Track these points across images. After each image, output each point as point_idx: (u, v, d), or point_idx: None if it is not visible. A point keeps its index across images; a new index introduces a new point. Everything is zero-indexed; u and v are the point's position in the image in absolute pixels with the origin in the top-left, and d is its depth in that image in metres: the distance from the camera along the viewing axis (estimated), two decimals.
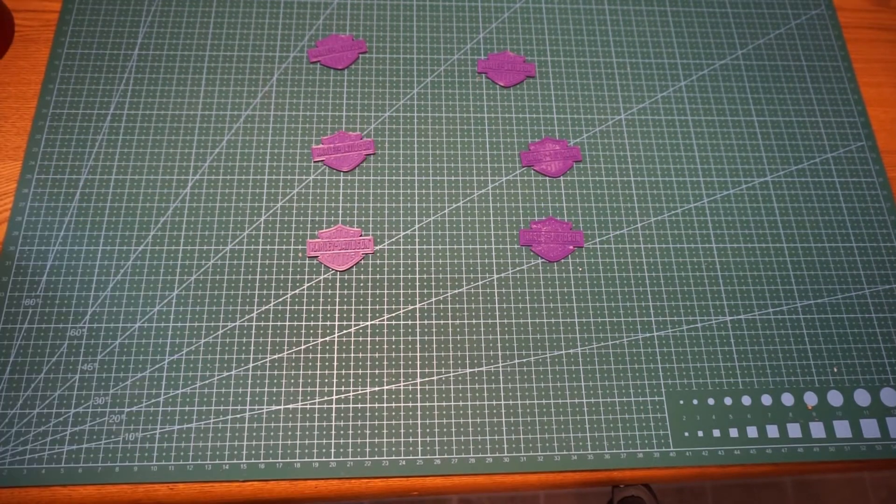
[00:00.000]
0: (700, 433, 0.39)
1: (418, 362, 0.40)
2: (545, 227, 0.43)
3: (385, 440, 0.38)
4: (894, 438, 0.40)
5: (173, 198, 0.42)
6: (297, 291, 0.41)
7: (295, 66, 0.47)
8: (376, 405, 0.38)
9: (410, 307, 0.41)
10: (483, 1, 0.50)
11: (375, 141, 0.45)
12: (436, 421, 0.38)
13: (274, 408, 0.38)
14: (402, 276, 0.41)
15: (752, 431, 0.39)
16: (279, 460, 0.37)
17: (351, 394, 0.39)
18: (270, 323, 0.40)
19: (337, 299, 0.41)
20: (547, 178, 0.45)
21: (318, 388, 0.39)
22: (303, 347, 0.40)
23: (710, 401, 0.40)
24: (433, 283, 0.41)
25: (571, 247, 0.43)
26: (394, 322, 0.40)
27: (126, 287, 0.40)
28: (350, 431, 0.38)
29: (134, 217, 0.42)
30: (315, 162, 0.44)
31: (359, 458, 0.37)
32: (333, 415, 0.38)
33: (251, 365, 0.39)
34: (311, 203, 0.43)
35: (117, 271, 0.40)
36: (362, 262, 0.42)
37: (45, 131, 0.43)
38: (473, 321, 0.41)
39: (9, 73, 0.45)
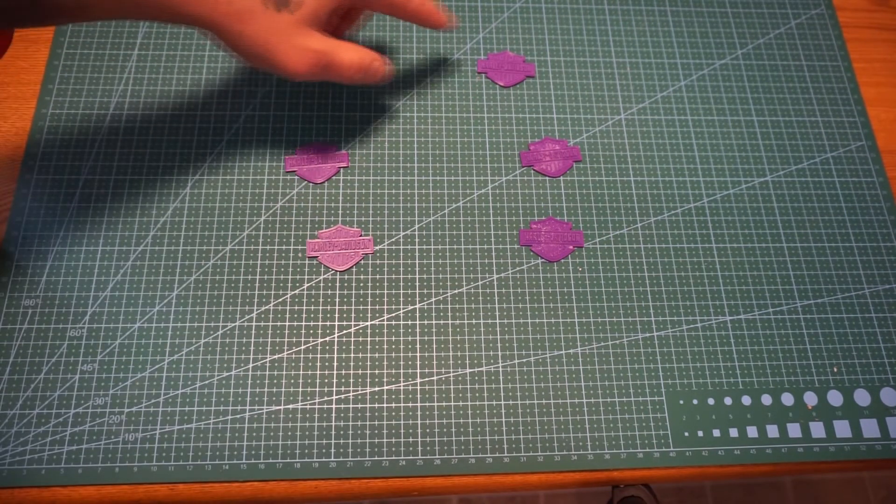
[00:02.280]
0: (700, 433, 0.39)
1: (418, 362, 0.40)
2: (545, 227, 0.43)
3: (385, 440, 0.38)
4: (894, 438, 0.40)
5: (173, 198, 0.42)
6: (297, 291, 0.41)
7: None
8: (376, 405, 0.38)
9: (410, 307, 0.41)
10: (483, 1, 0.50)
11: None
12: (436, 421, 0.38)
13: (274, 408, 0.38)
14: (402, 276, 0.41)
15: (752, 431, 0.39)
16: (279, 460, 0.37)
17: (351, 394, 0.39)
18: (270, 323, 0.40)
19: (337, 299, 0.41)
20: (547, 178, 0.45)
21: (318, 389, 0.39)
22: (303, 347, 0.40)
23: (710, 401, 0.40)
24: (433, 283, 0.41)
25: (571, 247, 0.43)
26: (394, 322, 0.40)
27: (126, 287, 0.40)
28: (350, 432, 0.38)
29: (134, 217, 0.42)
30: (287, 172, 0.44)
31: (359, 459, 0.37)
32: (333, 415, 0.38)
33: (251, 365, 0.39)
34: (310, 203, 0.43)
35: (117, 271, 0.40)
36: (362, 262, 0.42)
37: (44, 131, 0.43)
38: (473, 321, 0.41)
39: (8, 73, 0.45)
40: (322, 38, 0.35)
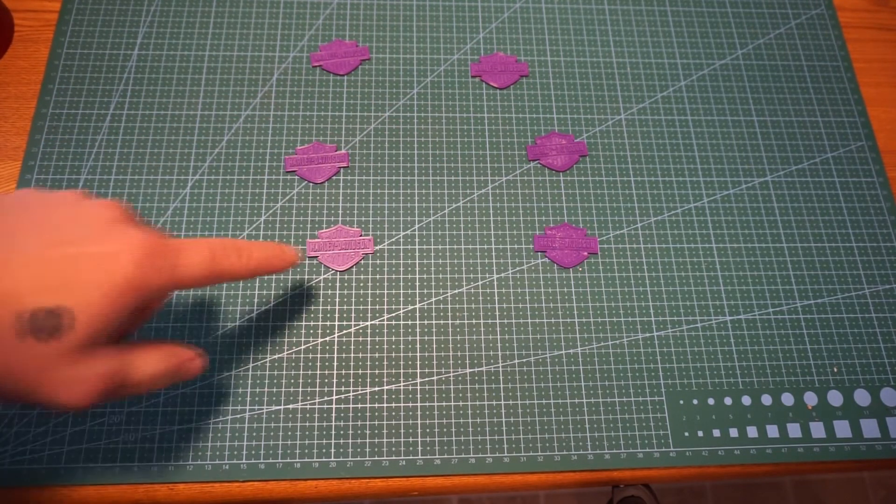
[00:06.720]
0: (700, 433, 0.39)
1: (418, 362, 0.40)
2: (560, 232, 0.43)
3: (385, 440, 0.38)
4: (894, 438, 0.40)
5: (173, 198, 0.42)
6: (297, 291, 0.41)
7: (295, 66, 0.47)
8: (376, 405, 0.38)
9: (410, 307, 0.41)
10: (482, 1, 0.50)
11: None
12: (436, 421, 0.38)
13: (274, 408, 0.38)
14: (402, 276, 0.41)
15: (752, 431, 0.39)
16: (279, 460, 0.37)
17: (351, 394, 0.39)
18: (270, 323, 0.40)
19: (337, 299, 0.41)
20: (548, 178, 0.45)
21: (317, 389, 0.39)
22: (303, 347, 0.40)
23: (710, 401, 0.40)
24: (433, 283, 0.41)
25: (586, 253, 0.43)
26: (394, 322, 0.40)
27: None
28: (350, 431, 0.38)
29: None
30: (287, 172, 0.44)
31: (359, 458, 0.37)
32: (333, 415, 0.38)
33: (251, 365, 0.39)
34: (310, 203, 0.43)
35: None
36: (362, 262, 0.42)
37: (44, 131, 0.43)
38: (474, 321, 0.41)
39: (8, 73, 0.45)
40: (108, 354, 0.27)
